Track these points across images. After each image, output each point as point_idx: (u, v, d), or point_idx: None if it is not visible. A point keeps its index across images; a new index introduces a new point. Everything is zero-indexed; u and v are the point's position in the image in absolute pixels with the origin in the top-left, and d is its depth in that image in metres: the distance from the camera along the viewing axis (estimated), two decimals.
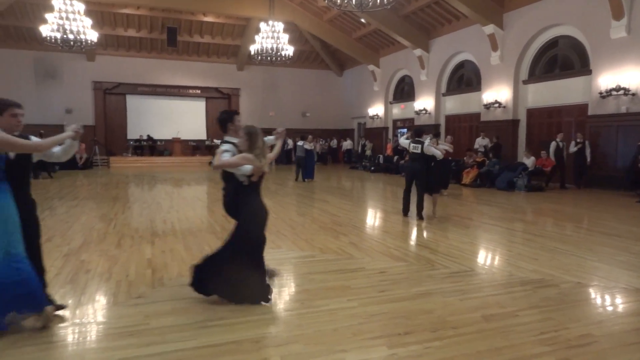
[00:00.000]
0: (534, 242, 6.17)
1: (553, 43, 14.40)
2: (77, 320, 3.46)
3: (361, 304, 3.80)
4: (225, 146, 3.79)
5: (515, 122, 15.43)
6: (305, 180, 14.79)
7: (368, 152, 22.29)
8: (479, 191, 12.62)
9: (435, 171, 8.15)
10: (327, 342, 3.08)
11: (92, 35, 16.16)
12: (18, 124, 3.31)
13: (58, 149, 3.48)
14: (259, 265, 3.86)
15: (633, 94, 11.62)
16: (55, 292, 4.05)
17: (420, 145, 7.75)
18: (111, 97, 24.46)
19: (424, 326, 3.34)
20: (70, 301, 3.83)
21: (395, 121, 23.51)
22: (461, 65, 18.55)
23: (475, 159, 14.51)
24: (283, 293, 4.23)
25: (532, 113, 15.20)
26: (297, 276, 4.71)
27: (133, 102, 24.89)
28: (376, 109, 24.31)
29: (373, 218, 8.65)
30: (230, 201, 3.94)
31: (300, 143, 14.82)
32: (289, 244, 6.06)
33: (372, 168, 19.86)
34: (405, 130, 22.36)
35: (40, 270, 3.48)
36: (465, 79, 18.50)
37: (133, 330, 3.27)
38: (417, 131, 8.10)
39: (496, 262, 5.32)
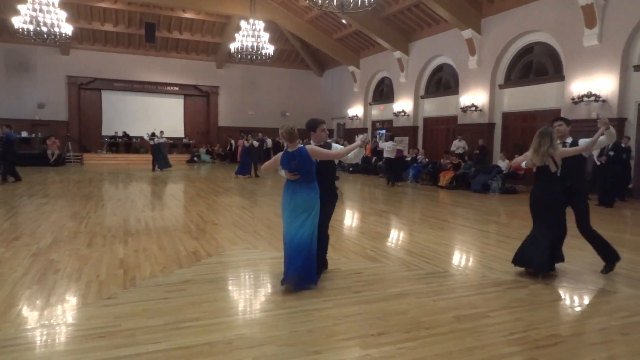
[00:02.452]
0: (507, 243, 6.30)
1: (528, 49, 14.73)
2: (45, 322, 3.36)
3: (336, 304, 3.80)
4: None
5: (491, 126, 15.72)
6: (237, 175, 15.69)
7: None
8: (454, 193, 12.81)
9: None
10: (301, 343, 3.08)
11: (67, 29, 15.78)
12: (326, 137, 4.49)
13: (351, 154, 4.38)
14: None
15: (603, 101, 11.97)
16: (22, 293, 3.95)
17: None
18: (86, 93, 23.90)
19: (397, 327, 3.37)
20: (38, 302, 3.73)
21: (374, 122, 23.67)
22: (440, 68, 18.79)
23: (451, 161, 14.71)
24: (258, 294, 4.21)
25: (507, 117, 15.51)
26: (273, 276, 4.68)
27: (109, 98, 24.36)
28: (356, 110, 24.42)
29: (350, 219, 8.69)
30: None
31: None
32: (265, 244, 6.03)
33: (351, 169, 19.93)
34: (384, 131, 22.55)
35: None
36: (443, 82, 18.76)
37: (103, 332, 3.20)
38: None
39: (470, 263, 5.41)
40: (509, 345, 3.11)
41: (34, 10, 15.01)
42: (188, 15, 22.33)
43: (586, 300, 4.19)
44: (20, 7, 15.16)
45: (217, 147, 25.50)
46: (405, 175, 16.07)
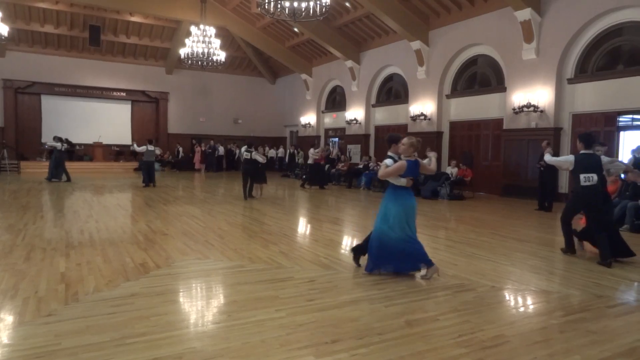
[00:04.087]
0: (455, 248, 6.52)
1: (473, 61, 15.42)
2: None
3: (289, 313, 3.78)
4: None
5: (439, 134, 16.27)
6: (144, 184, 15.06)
7: (300, 161, 22.41)
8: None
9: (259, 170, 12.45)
10: (254, 355, 3.03)
11: (2, 29, 14.87)
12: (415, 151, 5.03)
13: (433, 166, 5.34)
14: None
15: (541, 111, 12.71)
16: None
17: (250, 153, 12.03)
18: (24, 97, 22.58)
19: (350, 334, 3.39)
20: None
21: (327, 130, 23.88)
22: (390, 77, 19.28)
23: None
24: (210, 305, 4.11)
25: (454, 125, 16.12)
26: (225, 287, 4.60)
27: (49, 103, 23.13)
28: (308, 118, 24.55)
29: (303, 226, 8.69)
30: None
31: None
32: (217, 254, 5.91)
33: (304, 177, 19.93)
34: (337, 139, 22.80)
35: None
36: (394, 91, 19.24)
37: (41, 351, 3.01)
38: (249, 144, 12.46)
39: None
40: (458, 347, 3.21)
41: None
42: (135, 18, 21.64)
43: (529, 301, 4.40)
44: None
45: (167, 154, 24.80)
46: (357, 182, 16.38)
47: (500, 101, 14.19)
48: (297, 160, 22.77)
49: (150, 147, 15.11)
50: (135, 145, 16.89)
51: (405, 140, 4.87)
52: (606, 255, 5.59)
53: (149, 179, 14.99)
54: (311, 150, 16.18)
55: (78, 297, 4.09)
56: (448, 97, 16.16)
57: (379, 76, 19.60)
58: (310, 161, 16.11)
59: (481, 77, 15.24)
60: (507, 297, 4.48)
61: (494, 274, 5.19)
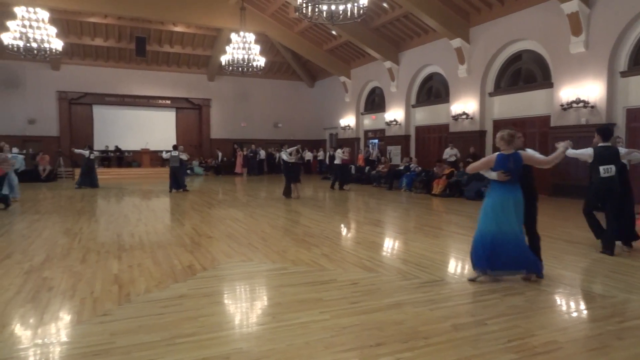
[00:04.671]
0: None
1: (517, 57, 14.93)
2: (39, 341, 3.31)
3: (333, 316, 3.79)
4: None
5: (482, 133, 15.85)
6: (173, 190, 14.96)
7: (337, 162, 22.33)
8: (448, 201, 12.86)
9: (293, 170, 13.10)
10: (299, 357, 3.06)
11: (57, 44, 15.75)
12: (521, 144, 4.96)
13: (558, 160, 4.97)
14: None
15: (592, 107, 12.14)
16: (15, 311, 3.89)
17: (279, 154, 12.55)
18: (77, 108, 23.82)
19: (395, 337, 3.36)
20: (31, 320, 3.68)
21: (366, 132, 23.78)
22: (430, 77, 18.97)
23: (444, 170, 14.78)
24: (255, 307, 4.18)
25: (498, 124, 15.63)
26: (269, 289, 4.66)
27: (100, 113, 24.29)
28: (348, 120, 24.54)
29: (345, 229, 8.68)
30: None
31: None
32: (260, 256, 6.00)
33: (333, 178, 19.93)
34: (376, 140, 22.66)
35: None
36: (434, 90, 18.92)
37: (98, 349, 3.16)
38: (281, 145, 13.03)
39: (465, 271, 5.41)
40: (507, 352, 3.11)
41: (24, 26, 14.98)
42: (178, 28, 22.42)
43: (582, 306, 4.20)
44: (10, 24, 15.12)
45: (210, 159, 25.47)
46: (399, 184, 16.19)
47: (547, 97, 13.66)
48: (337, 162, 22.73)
49: (175, 153, 15.06)
50: (164, 152, 17.22)
51: (497, 134, 4.85)
52: (610, 244, 6.00)
53: (176, 185, 14.91)
54: (338, 151, 16.52)
55: (130, 298, 4.26)
56: (491, 95, 15.72)
57: (419, 76, 19.33)
58: (337, 161, 16.38)
59: (526, 73, 14.73)
60: (559, 301, 4.30)
61: (545, 277, 4.99)
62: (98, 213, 10.37)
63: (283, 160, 13.17)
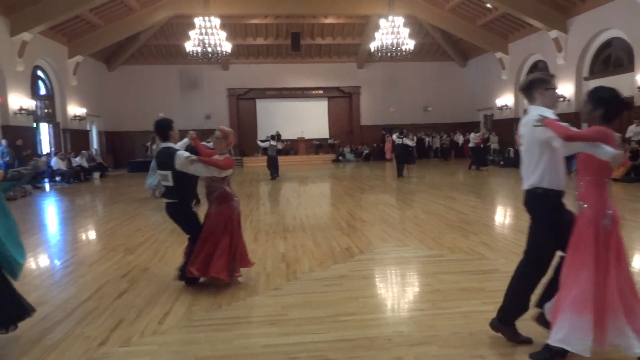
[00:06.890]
0: None
1: None
2: (223, 308, 3.82)
3: (497, 307, 3.58)
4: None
5: None
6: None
7: (494, 146, 20.93)
8: (632, 187, 11.07)
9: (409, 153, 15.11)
10: (463, 346, 2.99)
11: (227, 47, 17.69)
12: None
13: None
14: None
15: None
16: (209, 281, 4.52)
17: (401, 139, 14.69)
18: (243, 102, 26.56)
19: None
20: (215, 289, 4.24)
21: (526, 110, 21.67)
22: (608, 44, 16.36)
23: (628, 150, 12.71)
24: (413, 292, 4.20)
25: None
26: (426, 276, 4.62)
27: (262, 106, 26.72)
28: (505, 99, 22.65)
29: (504, 216, 8.11)
30: None
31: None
32: (415, 242, 5.97)
33: (502, 162, 18.59)
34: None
35: None
36: (613, 59, 16.29)
37: (274, 319, 3.53)
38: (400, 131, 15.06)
39: None
40: None
41: (201, 34, 17.16)
42: (329, 20, 23.26)
43: None
44: (191, 33, 17.47)
45: (361, 146, 26.07)
46: (569, 167, 14.42)
47: None
48: (490, 145, 21.27)
49: (273, 142, 16.07)
50: (259, 141, 18.35)
51: None
52: None
53: (276, 172, 15.89)
54: (472, 135, 17.53)
55: (296, 275, 4.65)
56: None
57: (593, 44, 16.80)
58: (471, 144, 17.45)
59: None
60: None
61: None
62: (264, 197, 11.45)
63: (398, 144, 14.97)
